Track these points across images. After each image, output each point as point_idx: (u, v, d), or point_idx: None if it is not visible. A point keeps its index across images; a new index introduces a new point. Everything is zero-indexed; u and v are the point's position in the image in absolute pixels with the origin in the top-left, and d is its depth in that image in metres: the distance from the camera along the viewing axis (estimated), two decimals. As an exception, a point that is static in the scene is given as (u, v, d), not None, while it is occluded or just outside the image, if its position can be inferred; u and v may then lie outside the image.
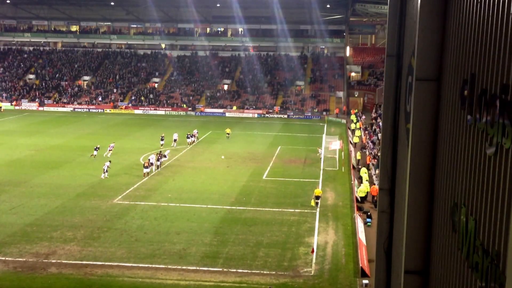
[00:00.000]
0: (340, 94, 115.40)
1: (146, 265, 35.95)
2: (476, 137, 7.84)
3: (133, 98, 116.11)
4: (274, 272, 35.30)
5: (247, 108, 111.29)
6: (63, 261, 36.39)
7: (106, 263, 36.18)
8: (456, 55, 9.12)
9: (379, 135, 65.63)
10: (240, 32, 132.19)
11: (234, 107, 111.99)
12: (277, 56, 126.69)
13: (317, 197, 48.56)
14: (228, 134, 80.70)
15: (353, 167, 62.10)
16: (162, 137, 74.39)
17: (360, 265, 34.76)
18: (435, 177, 10.56)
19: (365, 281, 32.96)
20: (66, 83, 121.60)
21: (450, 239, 9.17)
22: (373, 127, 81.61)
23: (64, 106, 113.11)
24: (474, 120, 7.85)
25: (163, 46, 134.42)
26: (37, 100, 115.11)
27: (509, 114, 6.32)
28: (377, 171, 51.71)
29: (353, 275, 35.13)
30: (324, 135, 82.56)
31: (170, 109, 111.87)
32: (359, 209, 46.92)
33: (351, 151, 70.28)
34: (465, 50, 8.57)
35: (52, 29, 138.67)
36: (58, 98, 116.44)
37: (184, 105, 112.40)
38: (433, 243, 10.63)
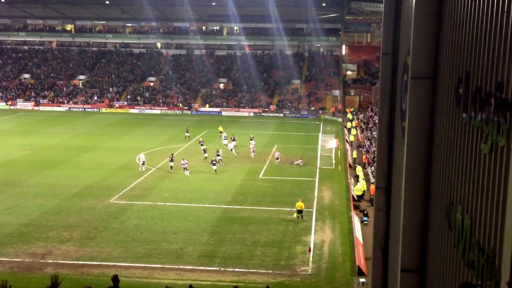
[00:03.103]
0: (336, 92, 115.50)
1: (143, 265, 35.95)
2: (471, 135, 7.86)
3: (128, 97, 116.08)
4: (271, 271, 35.34)
5: (242, 107, 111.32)
6: (60, 261, 36.37)
7: (102, 263, 36.18)
8: (451, 54, 9.15)
9: (375, 133, 65.71)
10: (235, 31, 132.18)
11: (207, 106, 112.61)
12: (272, 55, 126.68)
13: (299, 211, 44.69)
14: (221, 132, 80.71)
15: (350, 165, 62.19)
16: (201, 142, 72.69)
17: (357, 264, 34.85)
18: (431, 175, 10.59)
19: (362, 280, 33.04)
20: (62, 82, 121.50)
21: (446, 237, 9.19)
22: (369, 125, 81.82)
23: (59, 106, 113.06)
24: (469, 118, 7.88)
25: (159, 45, 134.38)
26: (32, 99, 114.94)
27: (504, 112, 6.34)
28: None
29: (350, 274, 35.18)
30: (320, 134, 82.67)
31: (166, 108, 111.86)
32: (356, 207, 47.01)
33: (347, 149, 70.38)
34: (460, 48, 8.60)
35: (47, 28, 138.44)
36: (54, 97, 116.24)
37: (180, 104, 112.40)
38: (430, 241, 10.67)
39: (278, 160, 65.01)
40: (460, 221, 8.27)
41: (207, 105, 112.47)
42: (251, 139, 73.47)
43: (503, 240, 6.41)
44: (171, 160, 60.21)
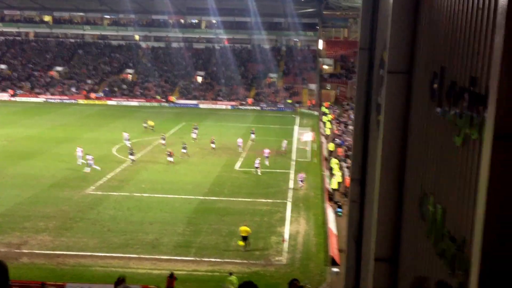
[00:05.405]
0: (313, 86, 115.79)
1: (119, 255, 36.08)
2: (445, 128, 8.05)
3: (106, 89, 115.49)
4: (246, 261, 35.67)
5: (220, 100, 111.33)
6: (35, 251, 36.38)
7: (78, 253, 36.25)
8: (426, 49, 9.35)
9: (350, 127, 66.07)
10: (214, 24, 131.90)
11: (174, 98, 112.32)
12: (251, 49, 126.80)
13: (244, 238, 37.77)
14: (152, 126, 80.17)
15: (325, 158, 62.50)
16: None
17: (330, 254, 35.23)
18: (405, 167, 10.79)
19: (335, 269, 33.38)
20: (39, 73, 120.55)
21: (418, 227, 9.40)
22: (343, 119, 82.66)
23: (36, 97, 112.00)
24: (443, 112, 8.07)
25: (137, 37, 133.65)
26: (8, 90, 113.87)
27: (477, 106, 6.55)
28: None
29: (323, 264, 35.63)
30: (296, 127, 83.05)
31: (144, 100, 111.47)
32: (330, 199, 47.38)
33: (323, 142, 70.71)
34: (435, 44, 8.79)
35: (25, 19, 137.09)
36: (31, 88, 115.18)
37: (158, 96, 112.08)
38: (403, 231, 10.88)
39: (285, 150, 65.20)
40: (432, 211, 8.49)
41: (174, 97, 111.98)
42: (252, 133, 74.26)
43: (473, 230, 6.59)
44: (131, 154, 60.29)
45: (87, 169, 56.00)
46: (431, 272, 8.52)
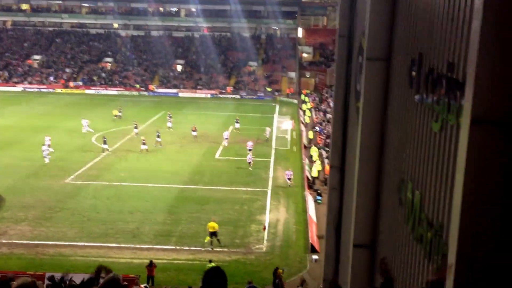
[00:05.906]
0: (292, 74, 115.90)
1: (99, 244, 35.95)
2: (423, 114, 8.09)
3: (85, 78, 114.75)
4: (226, 249, 35.74)
5: (199, 89, 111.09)
6: (14, 241, 36.16)
7: (58, 243, 36.04)
8: (405, 36, 9.38)
9: (329, 115, 66.27)
10: (194, 13, 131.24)
11: (153, 86, 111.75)
12: (230, 37, 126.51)
13: (213, 233, 36.21)
14: (117, 116, 79.32)
15: (305, 146, 62.66)
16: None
17: (310, 241, 35.45)
18: (384, 154, 10.85)
19: (315, 257, 33.65)
20: (16, 62, 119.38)
21: (396, 213, 9.46)
22: (322, 107, 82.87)
23: (14, 86, 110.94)
24: (421, 98, 8.11)
25: (116, 25, 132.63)
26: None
27: (454, 92, 6.58)
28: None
29: (303, 251, 35.85)
30: (276, 115, 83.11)
31: (123, 89, 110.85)
32: (310, 187, 47.55)
33: (302, 130, 70.87)
34: (413, 30, 8.82)
35: (2, 7, 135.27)
36: (8, 77, 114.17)
37: (138, 85, 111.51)
38: (381, 217, 10.94)
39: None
40: (411, 197, 8.54)
41: (153, 86, 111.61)
42: (237, 122, 73.74)
43: (451, 215, 6.64)
44: (104, 143, 59.75)
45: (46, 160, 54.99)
46: (409, 257, 8.58)
